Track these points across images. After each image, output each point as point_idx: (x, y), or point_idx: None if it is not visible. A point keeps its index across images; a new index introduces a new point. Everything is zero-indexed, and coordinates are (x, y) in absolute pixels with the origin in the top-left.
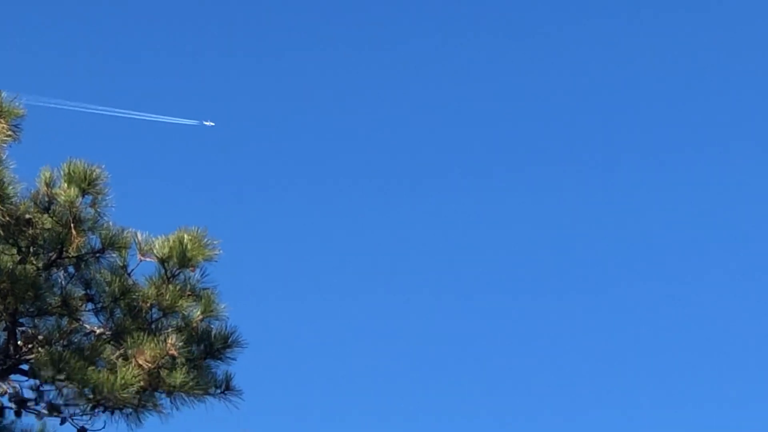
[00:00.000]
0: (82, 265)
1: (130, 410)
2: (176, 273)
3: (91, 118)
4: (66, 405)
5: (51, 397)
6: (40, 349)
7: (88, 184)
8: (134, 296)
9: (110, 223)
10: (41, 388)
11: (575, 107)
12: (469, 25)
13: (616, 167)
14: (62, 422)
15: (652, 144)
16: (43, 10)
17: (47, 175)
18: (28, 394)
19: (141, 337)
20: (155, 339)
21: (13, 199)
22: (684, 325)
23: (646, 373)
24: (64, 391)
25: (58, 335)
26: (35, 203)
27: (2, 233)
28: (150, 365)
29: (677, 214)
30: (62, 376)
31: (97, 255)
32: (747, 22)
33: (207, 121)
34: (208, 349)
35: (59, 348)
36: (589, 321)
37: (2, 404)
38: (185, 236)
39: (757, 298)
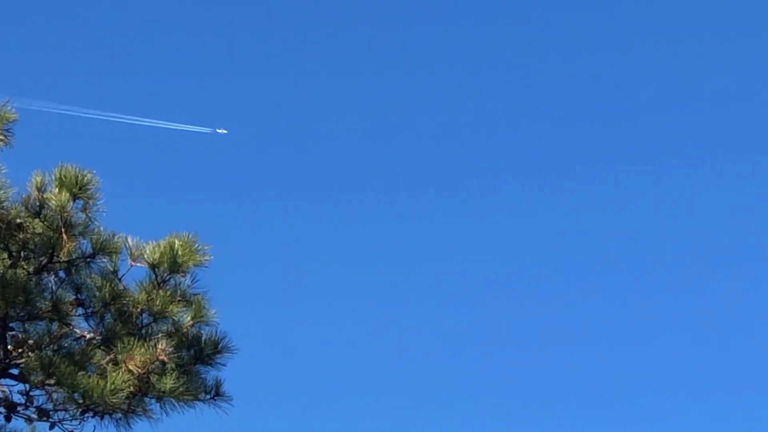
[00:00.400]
0: (73, 270)
1: (120, 415)
2: (167, 278)
3: (100, 125)
4: (55, 410)
5: (41, 401)
6: (30, 353)
7: (80, 189)
8: (124, 301)
9: (101, 227)
10: (31, 393)
11: (578, 109)
12: (483, 26)
13: (621, 170)
14: (51, 427)
15: (660, 147)
16: (56, 13)
17: (38, 179)
18: (18, 398)
19: (131, 342)
20: (145, 344)
21: (4, 204)
22: (687, 327)
23: (650, 377)
24: (54, 395)
25: (48, 340)
26: (26, 208)
27: None
28: (140, 370)
29: (681, 217)
30: (52, 381)
31: (88, 260)
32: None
33: (220, 129)
34: (198, 355)
35: (49, 353)
36: (591, 324)
37: None
38: (176, 242)
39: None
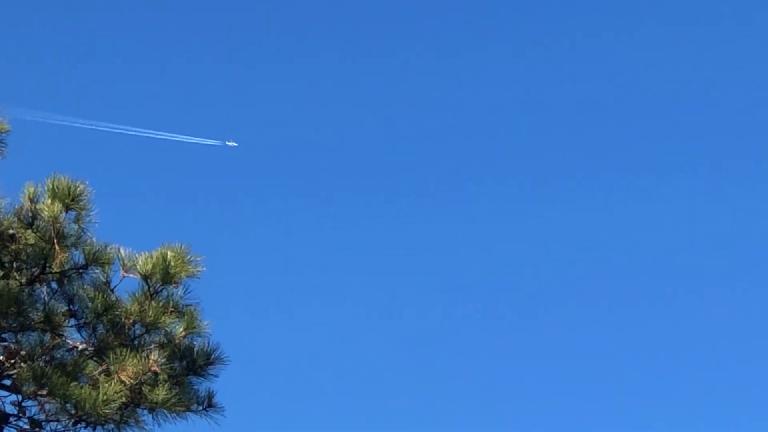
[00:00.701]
0: (65, 281)
1: (112, 426)
2: (159, 289)
3: (95, 135)
4: (48, 420)
5: (33, 412)
6: (22, 364)
7: (72, 200)
8: (117, 312)
9: (93, 238)
10: (23, 404)
11: (579, 113)
12: (482, 30)
13: (622, 174)
14: None
15: (661, 152)
16: (59, 20)
17: (31, 190)
18: (10, 409)
19: (123, 353)
20: (138, 355)
21: None
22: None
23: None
24: (46, 406)
25: (40, 351)
26: (19, 218)
27: None
28: (132, 381)
29: (682, 220)
30: (44, 392)
31: (80, 271)
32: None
33: (230, 142)
34: (190, 366)
35: (41, 363)
36: (591, 328)
37: None
38: (168, 253)
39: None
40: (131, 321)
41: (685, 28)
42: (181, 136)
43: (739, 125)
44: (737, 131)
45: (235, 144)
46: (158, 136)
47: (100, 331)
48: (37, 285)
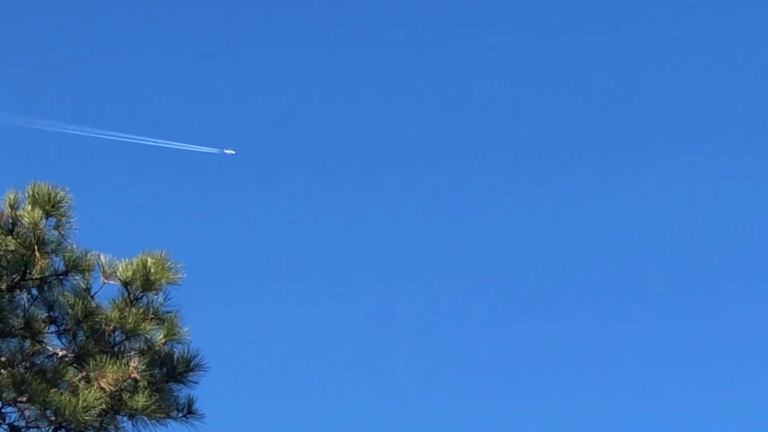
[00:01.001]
0: (46, 288)
1: None
2: (139, 296)
3: (111, 145)
4: (28, 427)
5: (13, 419)
6: (2, 370)
7: (52, 207)
8: (97, 319)
9: (74, 245)
10: (3, 410)
11: (578, 112)
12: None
13: (622, 173)
14: None
15: (665, 150)
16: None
17: (11, 196)
18: None
19: (103, 360)
20: (118, 362)
21: None
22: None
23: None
24: (26, 412)
25: (20, 357)
26: None
27: None
28: (112, 388)
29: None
30: (24, 398)
31: (61, 277)
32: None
33: (228, 149)
34: (170, 373)
35: (22, 370)
36: (591, 328)
37: None
38: (149, 259)
39: None
40: (111, 328)
41: (684, 28)
42: (179, 144)
43: (740, 125)
44: (738, 131)
45: (233, 152)
46: (157, 144)
47: (80, 338)
48: (18, 291)
